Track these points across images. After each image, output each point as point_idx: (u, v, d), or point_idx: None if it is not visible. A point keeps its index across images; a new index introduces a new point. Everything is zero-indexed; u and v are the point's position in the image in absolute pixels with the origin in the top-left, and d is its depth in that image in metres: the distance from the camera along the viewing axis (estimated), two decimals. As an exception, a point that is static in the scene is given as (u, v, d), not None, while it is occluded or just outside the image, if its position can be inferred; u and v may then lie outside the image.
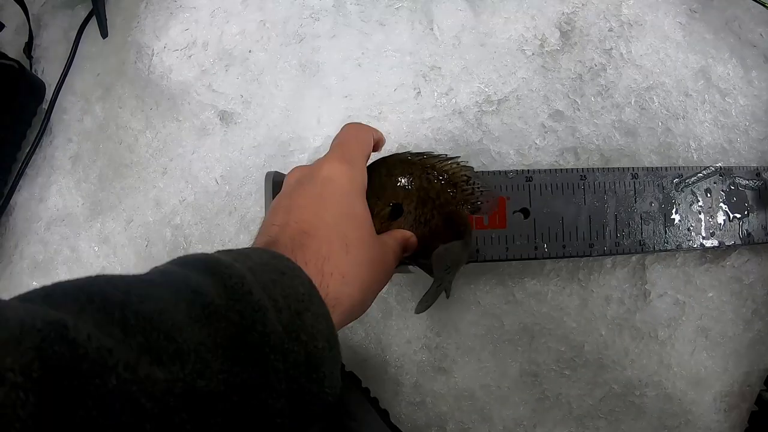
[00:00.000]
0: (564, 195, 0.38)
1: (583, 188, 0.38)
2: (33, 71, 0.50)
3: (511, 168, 0.41)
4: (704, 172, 0.39)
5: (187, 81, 0.46)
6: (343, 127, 0.30)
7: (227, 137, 0.45)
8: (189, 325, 0.16)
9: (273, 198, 0.34)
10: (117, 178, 0.47)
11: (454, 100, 0.43)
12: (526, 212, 0.37)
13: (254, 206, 0.44)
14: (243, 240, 0.44)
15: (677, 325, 0.41)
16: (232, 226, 0.44)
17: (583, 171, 0.38)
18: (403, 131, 0.43)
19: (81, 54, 0.49)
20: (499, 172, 0.38)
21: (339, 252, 0.23)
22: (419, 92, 0.44)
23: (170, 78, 0.46)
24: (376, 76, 0.44)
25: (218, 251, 0.20)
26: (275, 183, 0.35)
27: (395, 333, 0.42)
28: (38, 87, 0.49)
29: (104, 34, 0.49)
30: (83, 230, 0.46)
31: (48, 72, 0.50)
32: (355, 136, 0.30)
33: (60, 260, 0.46)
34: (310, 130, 0.44)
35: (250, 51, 0.46)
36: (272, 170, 0.35)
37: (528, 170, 0.38)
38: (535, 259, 0.37)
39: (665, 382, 0.40)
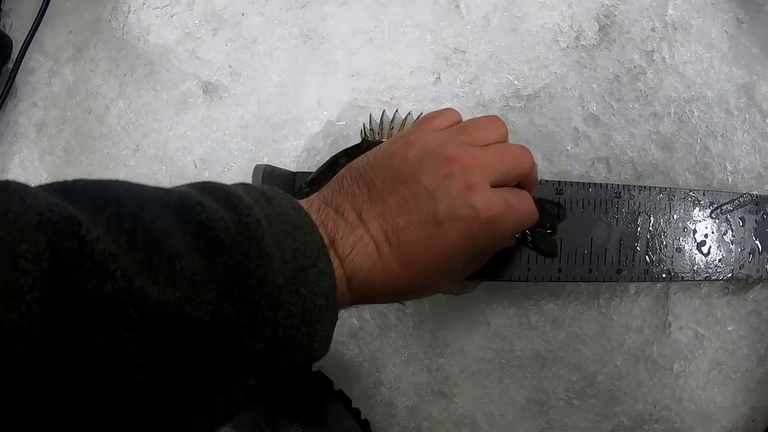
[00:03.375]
0: (596, 213, 0.34)
1: (617, 207, 0.34)
2: (1, 26, 0.44)
3: (539, 176, 0.36)
4: (741, 199, 0.36)
5: (167, 45, 0.39)
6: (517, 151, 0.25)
7: (210, 113, 0.39)
8: (190, 255, 0.16)
9: None
10: (84, 151, 0.41)
11: (478, 91, 0.38)
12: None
13: (237, 196, 0.38)
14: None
15: (693, 358, 0.38)
16: (210, 218, 0.38)
17: (618, 188, 0.34)
18: (419, 123, 0.37)
19: (53, 8, 0.42)
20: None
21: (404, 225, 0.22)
22: (438, 78, 0.38)
23: (148, 40, 0.39)
24: (390, 55, 0.38)
25: (242, 185, 0.20)
26: (266, 182, 0.29)
27: (393, 351, 0.37)
28: (4, 44, 0.43)
29: (80, -14, 0.42)
30: None
31: (17, 27, 0.44)
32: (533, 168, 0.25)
33: None
34: (308, 111, 0.38)
35: (243, 14, 0.39)
36: (262, 162, 0.30)
37: (559, 182, 0.34)
38: (558, 281, 0.33)
39: (674, 416, 0.38)
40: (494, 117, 0.26)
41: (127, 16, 0.40)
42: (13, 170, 0.42)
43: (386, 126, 0.29)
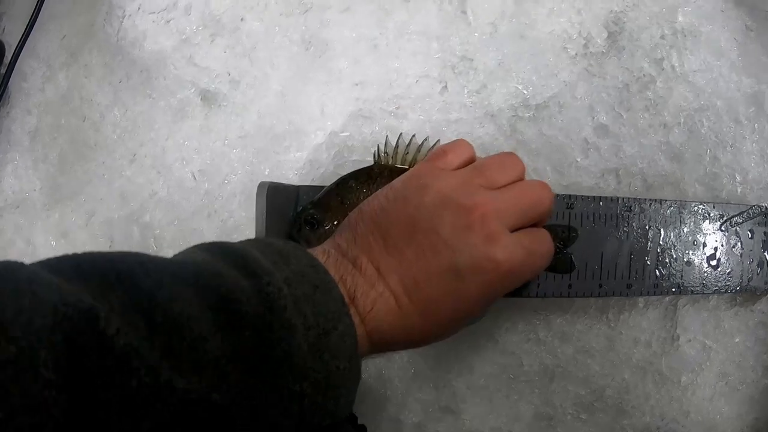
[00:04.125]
0: (606, 227, 0.33)
1: (628, 221, 0.33)
2: None
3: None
4: (750, 211, 0.36)
5: (164, 51, 0.38)
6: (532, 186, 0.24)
7: (209, 123, 0.37)
8: (214, 335, 0.16)
9: (266, 217, 0.28)
10: (79, 160, 0.40)
11: (487, 101, 0.37)
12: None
13: (238, 210, 0.36)
14: (222, 248, 0.37)
15: (701, 370, 0.38)
16: (212, 232, 0.37)
17: (629, 201, 0.34)
18: (425, 134, 0.36)
19: (47, 12, 0.41)
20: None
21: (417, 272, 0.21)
22: (445, 87, 0.37)
23: (143, 46, 0.38)
24: (395, 63, 0.37)
25: (257, 244, 0.20)
26: (271, 199, 0.27)
27: (399, 367, 0.37)
28: None
29: (75, -11, 0.40)
30: (40, 220, 0.40)
31: (10, 31, 0.42)
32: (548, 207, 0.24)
33: (13, 253, 0.40)
34: (311, 122, 0.37)
35: (242, 19, 0.37)
36: (263, 176, 0.29)
37: (569, 196, 0.33)
38: (568, 297, 0.33)
39: (681, 429, 0.38)
40: (511, 154, 0.25)
41: (122, 21, 0.38)
42: (7, 179, 0.41)
43: (401, 150, 0.28)
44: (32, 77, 0.41)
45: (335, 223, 0.27)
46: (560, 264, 0.30)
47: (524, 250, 0.22)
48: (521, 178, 0.25)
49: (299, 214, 0.28)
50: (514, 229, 0.23)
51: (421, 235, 0.21)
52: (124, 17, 0.38)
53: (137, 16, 0.38)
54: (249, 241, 0.20)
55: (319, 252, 0.22)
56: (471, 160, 0.25)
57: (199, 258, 0.18)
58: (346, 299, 0.20)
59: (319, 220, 0.27)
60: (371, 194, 0.25)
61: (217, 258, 0.18)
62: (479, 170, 0.24)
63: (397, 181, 0.24)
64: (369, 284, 0.21)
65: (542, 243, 0.24)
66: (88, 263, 0.16)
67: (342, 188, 0.28)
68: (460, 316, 0.22)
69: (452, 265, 0.21)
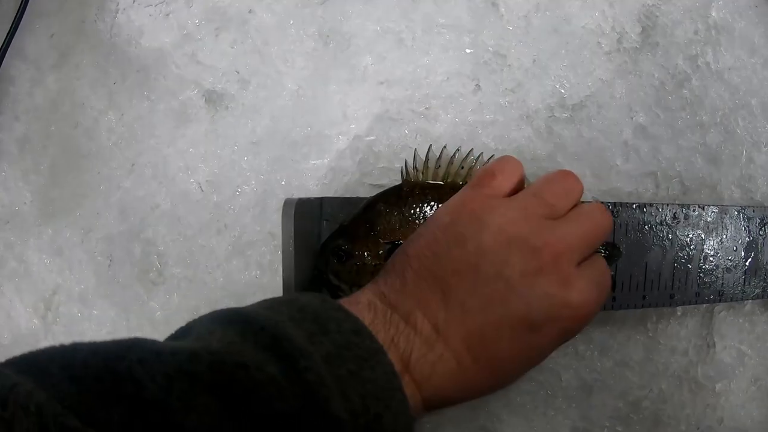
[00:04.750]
0: (650, 236, 0.32)
1: (672, 229, 0.32)
2: None
3: (588, 194, 0.34)
4: (789, 213, 0.35)
5: (163, 48, 0.34)
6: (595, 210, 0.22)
7: (215, 127, 0.33)
8: None
9: (294, 238, 0.24)
10: (72, 171, 0.36)
11: (522, 101, 0.34)
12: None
13: (252, 225, 0.33)
14: (236, 266, 0.33)
15: (734, 376, 0.38)
16: (222, 249, 0.33)
17: (673, 208, 0.32)
18: (459, 137, 0.33)
19: (33, 9, 0.36)
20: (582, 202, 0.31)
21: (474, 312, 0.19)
22: (478, 86, 0.34)
23: (140, 43, 0.34)
24: (424, 59, 0.34)
25: (288, 309, 0.17)
26: (299, 218, 0.24)
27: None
28: None
29: (63, -17, 0.36)
30: (32, 236, 0.36)
31: None
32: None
33: (5, 274, 0.36)
34: (332, 125, 0.33)
35: (250, 11, 0.33)
36: (289, 196, 0.26)
37: (614, 203, 0.31)
38: (611, 309, 0.31)
39: (714, 435, 0.37)
40: (569, 174, 0.23)
41: (116, 16, 0.34)
42: (-6, 192, 0.37)
43: (432, 164, 0.25)
44: (19, 80, 0.37)
45: (365, 253, 0.24)
46: None
47: (596, 287, 0.20)
48: (580, 199, 0.23)
49: (325, 245, 0.25)
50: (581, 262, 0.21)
51: (486, 284, 0.19)
52: (117, 11, 0.34)
53: (132, 9, 0.33)
54: (275, 301, 0.17)
55: (363, 306, 0.19)
56: (522, 182, 0.23)
57: (215, 340, 0.15)
58: (399, 367, 0.17)
59: (348, 252, 0.24)
60: (403, 217, 0.22)
61: (237, 337, 0.15)
62: (540, 197, 0.21)
63: (443, 214, 0.21)
64: (427, 346, 0.18)
65: (606, 272, 0.22)
66: (79, 365, 0.13)
67: (370, 213, 0.25)
68: (529, 367, 0.20)
69: (525, 317, 0.18)
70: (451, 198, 0.21)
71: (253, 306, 0.18)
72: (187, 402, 0.13)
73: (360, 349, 0.17)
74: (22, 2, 0.35)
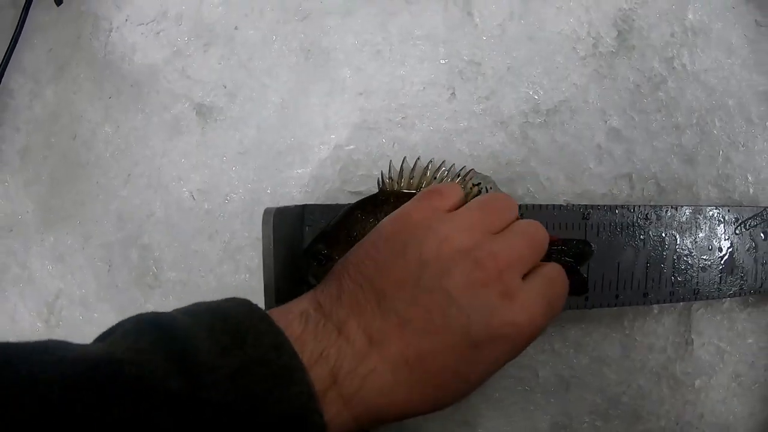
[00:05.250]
0: (623, 236, 0.33)
1: (644, 229, 0.33)
2: None
3: (561, 197, 0.35)
4: (765, 214, 0.35)
5: (155, 64, 0.36)
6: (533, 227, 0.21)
7: (206, 139, 0.35)
8: None
9: (273, 244, 0.26)
10: (72, 180, 0.38)
11: (496, 108, 0.35)
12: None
13: (241, 231, 0.35)
14: (227, 269, 0.35)
15: (714, 372, 0.38)
16: (214, 253, 0.35)
17: (645, 209, 0.33)
18: (435, 145, 0.35)
19: (31, 24, 0.38)
20: (553, 206, 0.32)
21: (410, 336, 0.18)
22: (453, 94, 0.35)
23: (133, 60, 0.36)
24: (400, 70, 0.35)
25: (209, 316, 0.16)
26: (277, 225, 0.26)
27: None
28: None
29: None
30: (34, 244, 0.38)
31: None
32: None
33: (9, 279, 0.38)
34: (314, 135, 0.35)
35: (236, 28, 0.35)
36: (269, 202, 0.27)
37: (585, 206, 0.32)
38: (584, 308, 0.32)
39: (695, 431, 0.38)
40: (502, 195, 0.23)
41: (109, 35, 0.36)
42: (-4, 200, 0.39)
43: (406, 174, 0.27)
44: (19, 93, 0.39)
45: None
46: (573, 286, 0.29)
47: (544, 301, 0.19)
48: (516, 217, 0.22)
49: (307, 249, 0.27)
50: (525, 275, 0.20)
51: (427, 295, 0.18)
52: (111, 30, 0.36)
53: (125, 28, 0.35)
54: (202, 307, 0.16)
55: (294, 317, 0.18)
56: (463, 203, 0.22)
57: (125, 348, 0.15)
58: (326, 381, 0.16)
59: (327, 256, 0.25)
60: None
61: (149, 345, 0.15)
62: (481, 211, 0.21)
63: (387, 224, 0.20)
64: (358, 358, 0.17)
65: (557, 281, 0.22)
66: None
67: (348, 220, 0.26)
68: (472, 386, 0.19)
69: (467, 333, 0.18)
70: (396, 210, 0.21)
71: (178, 311, 0.17)
72: (79, 413, 0.13)
73: (276, 365, 0.16)
74: (21, 17, 0.37)
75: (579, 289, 0.30)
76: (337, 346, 0.17)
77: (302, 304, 0.19)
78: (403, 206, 0.21)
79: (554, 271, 0.22)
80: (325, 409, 0.16)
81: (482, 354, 0.18)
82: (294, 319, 0.17)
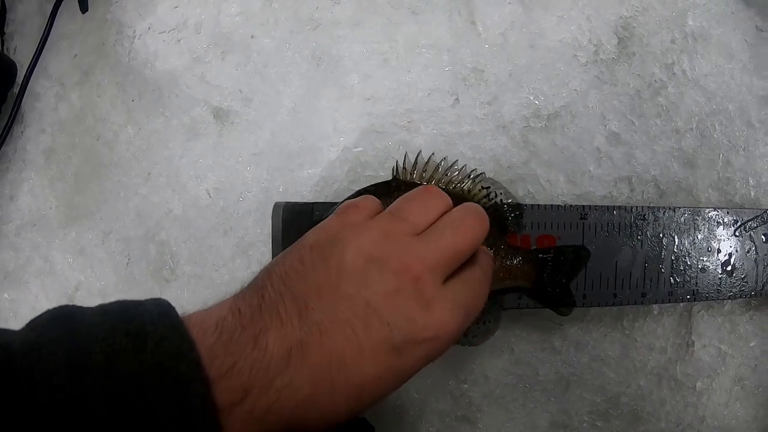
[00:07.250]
0: (620, 237, 0.33)
1: (642, 229, 0.34)
2: (5, 50, 0.42)
3: (561, 198, 0.36)
4: (765, 216, 0.36)
5: (175, 70, 0.38)
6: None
7: (222, 140, 0.37)
8: None
9: (282, 236, 0.28)
10: (94, 179, 0.40)
11: (498, 113, 0.37)
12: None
13: (254, 227, 0.37)
14: (239, 264, 0.37)
15: (716, 375, 0.38)
16: (227, 249, 0.37)
17: (643, 210, 0.34)
18: (438, 147, 0.36)
19: (57, 31, 0.41)
20: (551, 206, 0.33)
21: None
22: (457, 99, 0.37)
23: (155, 66, 0.38)
24: (406, 77, 0.37)
25: (118, 312, 0.16)
26: (286, 219, 0.28)
27: (416, 377, 0.36)
28: (9, 67, 0.41)
29: (83, 8, 0.41)
30: (57, 238, 0.40)
31: (21, 51, 0.43)
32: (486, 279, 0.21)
33: (32, 271, 0.40)
34: (324, 138, 0.37)
35: (252, 36, 0.37)
36: (278, 193, 0.29)
37: (583, 206, 0.33)
38: (582, 306, 0.33)
39: (697, 433, 0.38)
40: (428, 188, 0.22)
41: (133, 41, 0.38)
42: (23, 198, 0.41)
43: (420, 167, 0.28)
44: (45, 97, 0.42)
45: None
46: (561, 303, 0.30)
47: (462, 309, 0.19)
48: (449, 207, 0.21)
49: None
50: (450, 275, 0.20)
51: (346, 305, 0.18)
52: (134, 37, 0.38)
53: (148, 35, 0.38)
54: (114, 307, 0.16)
55: (210, 325, 0.17)
56: (380, 212, 0.22)
57: (20, 342, 0.14)
58: (237, 395, 0.16)
59: None
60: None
61: (47, 340, 0.14)
62: (399, 216, 0.20)
63: (310, 235, 0.20)
64: (274, 371, 0.16)
65: (478, 285, 0.21)
66: None
67: None
68: (394, 388, 0.19)
69: (386, 341, 0.18)
70: (319, 222, 0.21)
71: (99, 306, 0.17)
72: None
73: (172, 374, 0.15)
74: (47, 24, 0.39)
75: (567, 305, 0.31)
76: (251, 359, 0.16)
77: (222, 310, 0.18)
78: (325, 219, 0.21)
79: (476, 273, 0.21)
80: (231, 423, 0.16)
81: (404, 359, 0.18)
82: (210, 327, 0.17)
